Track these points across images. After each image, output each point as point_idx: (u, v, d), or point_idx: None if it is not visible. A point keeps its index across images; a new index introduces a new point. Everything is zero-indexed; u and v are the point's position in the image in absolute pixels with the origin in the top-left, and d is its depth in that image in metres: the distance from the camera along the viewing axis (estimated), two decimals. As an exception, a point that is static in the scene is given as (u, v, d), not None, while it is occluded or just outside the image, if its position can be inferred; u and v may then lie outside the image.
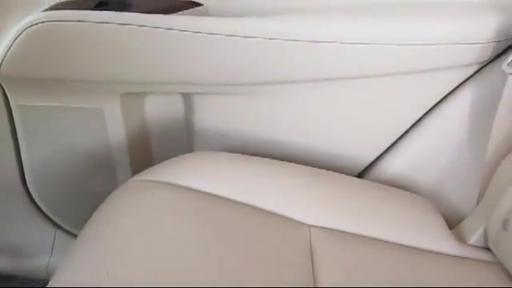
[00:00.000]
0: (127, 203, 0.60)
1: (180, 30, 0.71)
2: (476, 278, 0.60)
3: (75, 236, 0.94)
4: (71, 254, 0.55)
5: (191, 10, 0.74)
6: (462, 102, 0.74)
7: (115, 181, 0.87)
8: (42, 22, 0.69)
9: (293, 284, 0.53)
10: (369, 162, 0.81)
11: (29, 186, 0.90)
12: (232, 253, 0.55)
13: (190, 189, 0.63)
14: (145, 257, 0.52)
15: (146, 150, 0.87)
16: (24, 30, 0.70)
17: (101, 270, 0.49)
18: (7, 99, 0.80)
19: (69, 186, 0.90)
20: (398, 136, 0.79)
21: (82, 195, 0.90)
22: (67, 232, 0.95)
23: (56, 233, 0.95)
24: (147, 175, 0.66)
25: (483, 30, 0.66)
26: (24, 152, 0.86)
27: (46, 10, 0.72)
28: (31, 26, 0.70)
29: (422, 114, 0.76)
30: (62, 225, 0.94)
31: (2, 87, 0.79)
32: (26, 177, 0.89)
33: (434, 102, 0.75)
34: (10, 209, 0.92)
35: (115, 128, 0.82)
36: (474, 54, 0.68)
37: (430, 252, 0.62)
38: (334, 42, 0.68)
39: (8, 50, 0.72)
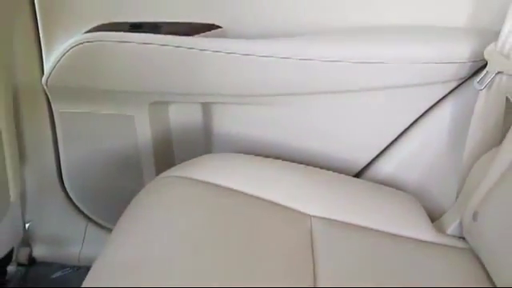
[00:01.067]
0: (159, 194, 0.73)
1: (200, 50, 0.84)
2: (451, 261, 0.71)
3: (105, 228, 1.07)
4: (115, 237, 0.66)
5: (212, 31, 0.86)
6: (443, 114, 0.85)
7: (141, 179, 0.99)
8: (87, 42, 0.82)
9: (294, 264, 0.64)
10: (363, 164, 0.93)
11: (65, 184, 1.03)
12: (245, 239, 0.66)
13: (209, 183, 0.75)
14: (176, 241, 0.63)
15: (169, 152, 0.99)
16: (71, 48, 0.82)
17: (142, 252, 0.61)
18: (50, 106, 0.93)
19: (100, 184, 1.02)
20: (388, 143, 0.90)
21: (111, 192, 1.02)
22: (97, 224, 1.07)
23: (87, 225, 1.07)
24: (174, 172, 0.78)
25: (459, 52, 0.78)
26: (62, 153, 0.99)
27: (88, 32, 0.85)
28: (77, 45, 0.82)
29: (408, 124, 0.88)
30: (93, 218, 1.06)
31: (47, 96, 0.92)
32: (63, 175, 1.02)
33: (419, 113, 0.87)
34: (48, 204, 1.04)
35: (143, 133, 0.95)
36: (452, 72, 0.79)
37: (413, 239, 0.73)
38: (328, 61, 0.80)
39: (56, 65, 0.85)
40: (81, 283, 1.10)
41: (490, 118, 0.73)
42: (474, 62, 0.78)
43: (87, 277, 0.61)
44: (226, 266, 0.60)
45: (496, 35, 0.71)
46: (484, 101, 0.74)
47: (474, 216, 0.70)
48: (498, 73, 0.70)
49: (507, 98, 0.70)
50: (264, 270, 0.62)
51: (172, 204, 0.71)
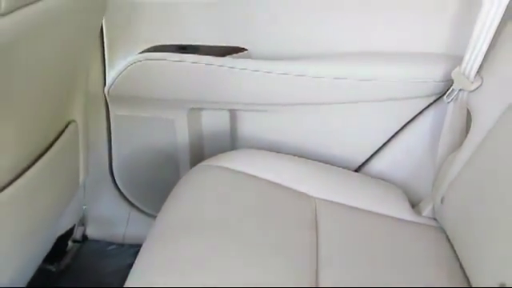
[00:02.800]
0: (198, 179, 0.94)
1: (229, 67, 1.06)
2: (424, 236, 0.91)
3: (144, 213, 1.28)
4: (167, 206, 0.88)
5: (239, 53, 1.09)
6: (424, 122, 1.07)
7: (177, 172, 1.20)
8: (143, 60, 1.05)
9: (302, 234, 0.84)
10: (360, 162, 1.14)
11: (114, 175, 1.25)
12: (264, 213, 0.87)
13: (236, 171, 0.96)
14: (215, 211, 0.84)
15: (201, 149, 1.21)
16: (130, 65, 1.05)
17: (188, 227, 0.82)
18: (108, 110, 1.16)
19: (143, 176, 1.24)
20: (379, 146, 1.11)
21: (151, 182, 1.24)
22: (139, 210, 1.28)
23: (131, 210, 1.28)
24: (207, 163, 1.00)
25: (434, 73, 0.99)
26: (114, 149, 1.21)
27: (143, 52, 1.08)
28: (135, 62, 1.05)
29: (395, 130, 1.09)
30: (136, 204, 1.28)
31: (106, 102, 1.15)
32: (113, 168, 1.24)
33: (404, 122, 1.08)
34: (99, 192, 1.26)
35: (181, 133, 1.17)
36: (429, 89, 1.01)
37: (396, 218, 0.94)
38: (325, 77, 1.02)
39: (117, 77, 1.08)
40: (125, 258, 1.32)
41: (455, 125, 0.94)
42: (445, 81, 0.99)
43: (148, 236, 0.82)
44: (248, 233, 0.81)
45: (461, 60, 0.92)
46: (451, 112, 0.95)
47: (442, 200, 0.91)
48: (461, 90, 0.91)
49: (468, 110, 0.91)
50: (278, 236, 0.83)
51: (208, 185, 0.92)
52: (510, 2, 0.84)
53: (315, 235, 0.84)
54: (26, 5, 0.58)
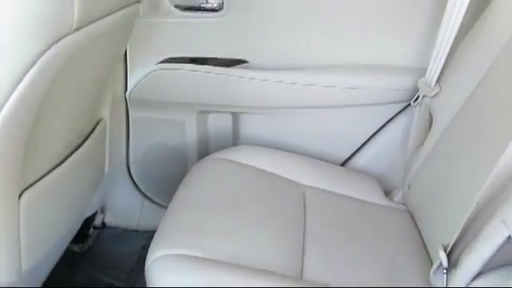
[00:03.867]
0: (206, 168, 1.12)
1: (232, 76, 1.25)
2: (394, 217, 1.10)
3: (155, 203, 1.46)
4: (181, 191, 1.06)
5: (241, 65, 1.28)
6: (398, 124, 1.26)
7: (186, 166, 1.38)
8: (160, 70, 1.24)
9: (292, 214, 1.02)
10: (344, 158, 1.33)
11: (130, 169, 1.43)
12: (262, 197, 1.05)
13: (238, 162, 1.14)
14: (222, 196, 1.03)
15: (206, 147, 1.39)
16: (149, 73, 1.25)
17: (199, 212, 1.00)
18: (128, 112, 1.34)
19: (155, 170, 1.42)
20: (360, 144, 1.31)
21: (163, 176, 1.42)
22: (151, 200, 1.46)
23: (144, 200, 1.46)
24: (213, 156, 1.18)
25: (405, 82, 1.19)
26: (131, 147, 1.39)
27: (159, 62, 1.27)
28: (153, 71, 1.25)
29: (374, 131, 1.28)
30: (148, 195, 1.46)
31: (126, 105, 1.33)
32: (130, 162, 1.42)
33: (381, 124, 1.27)
34: (116, 184, 1.44)
35: (190, 133, 1.36)
36: (401, 96, 1.20)
37: (371, 203, 1.12)
38: (314, 85, 1.21)
39: (137, 84, 1.26)
40: (139, 242, 1.49)
41: (421, 126, 1.13)
42: (413, 89, 1.18)
43: (167, 213, 0.99)
44: (249, 210, 0.99)
45: (425, 72, 1.11)
46: (417, 114, 1.14)
47: (409, 186, 1.09)
48: (424, 96, 1.11)
49: (430, 113, 1.10)
50: (273, 212, 1.01)
51: (213, 173, 1.11)
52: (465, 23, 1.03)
53: (303, 214, 1.02)
54: (89, 23, 0.76)
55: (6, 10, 0.65)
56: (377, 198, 1.15)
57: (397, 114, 1.26)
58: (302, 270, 0.85)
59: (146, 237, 1.30)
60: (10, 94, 0.70)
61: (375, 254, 0.94)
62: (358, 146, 1.32)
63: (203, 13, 1.26)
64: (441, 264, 0.80)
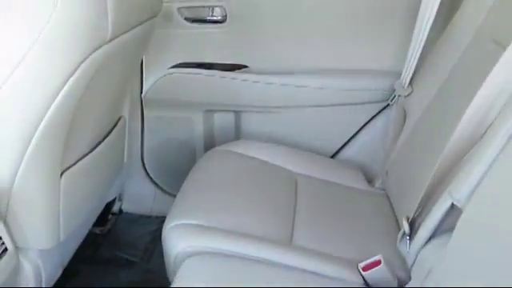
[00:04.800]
0: (212, 158, 1.30)
1: (234, 79, 1.44)
2: (374, 200, 1.27)
3: (167, 192, 1.64)
4: (191, 177, 1.24)
5: (242, 69, 1.47)
6: (380, 120, 1.44)
7: (194, 158, 1.56)
8: (172, 73, 1.43)
9: (285, 194, 1.20)
10: (334, 151, 1.51)
11: (144, 161, 1.61)
12: (260, 183, 1.23)
13: (240, 154, 1.32)
14: (226, 181, 1.21)
15: (212, 142, 1.57)
16: (162, 76, 1.43)
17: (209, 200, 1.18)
18: (143, 111, 1.53)
19: (166, 163, 1.61)
20: (347, 138, 1.48)
21: (173, 168, 1.60)
22: (162, 190, 1.64)
23: (156, 190, 1.64)
24: (218, 148, 1.36)
25: (384, 84, 1.37)
26: (145, 141, 1.58)
27: (171, 67, 1.45)
28: (166, 75, 1.43)
29: (359, 127, 1.46)
30: (160, 185, 1.64)
31: (141, 104, 1.51)
32: (144, 155, 1.60)
33: (366, 120, 1.45)
34: (132, 175, 1.62)
35: (198, 129, 1.54)
36: (381, 96, 1.38)
37: (355, 188, 1.30)
38: (306, 87, 1.40)
39: (151, 86, 1.45)
40: (151, 225, 1.67)
41: (397, 122, 1.31)
42: (391, 90, 1.36)
43: (179, 194, 1.17)
44: (249, 192, 1.16)
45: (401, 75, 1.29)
46: (394, 112, 1.32)
47: (386, 173, 1.27)
48: (399, 96, 1.29)
49: (404, 110, 1.28)
50: (269, 195, 1.18)
51: (219, 162, 1.29)
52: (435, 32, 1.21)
53: (294, 196, 1.20)
54: (119, 35, 0.95)
55: (51, 25, 0.83)
56: (359, 184, 1.32)
57: (378, 113, 1.44)
58: (291, 238, 1.03)
59: (158, 221, 1.48)
60: (55, 98, 0.88)
61: (354, 228, 1.12)
62: (345, 140, 1.50)
63: (209, 24, 1.45)
64: (404, 232, 0.98)
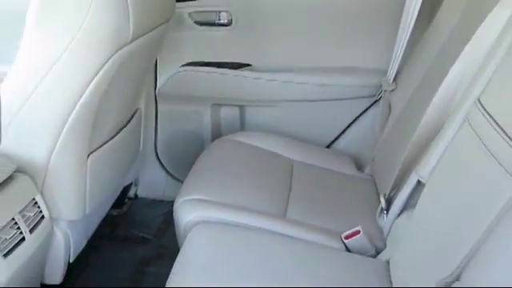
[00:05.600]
0: (219, 147, 1.47)
1: (239, 76, 1.60)
2: (361, 184, 1.42)
3: (175, 178, 1.80)
4: (199, 162, 1.40)
5: (247, 67, 1.63)
6: (370, 114, 1.59)
7: (202, 148, 1.72)
8: (183, 71, 1.59)
9: (283, 177, 1.36)
10: (329, 141, 1.66)
11: (158, 151, 1.78)
12: (261, 168, 1.39)
13: (244, 143, 1.48)
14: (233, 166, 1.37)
15: (218, 133, 1.73)
16: (174, 74, 1.60)
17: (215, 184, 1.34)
18: (156, 105, 1.70)
19: (177, 152, 1.77)
20: (342, 130, 1.64)
21: (182, 157, 1.76)
22: (173, 176, 1.80)
23: (167, 176, 1.81)
24: (224, 138, 1.52)
25: (372, 81, 1.52)
26: (158, 132, 1.74)
27: (182, 66, 1.62)
28: (177, 72, 1.60)
29: (351, 120, 1.61)
30: (171, 172, 1.81)
31: (155, 99, 1.68)
32: (157, 145, 1.77)
33: (357, 114, 1.60)
34: (146, 163, 1.79)
35: (205, 121, 1.71)
36: (370, 91, 1.54)
37: (345, 174, 1.45)
38: (306, 84, 1.56)
39: (164, 83, 1.62)
40: (163, 208, 1.83)
41: (383, 114, 1.46)
42: (379, 86, 1.51)
43: (188, 176, 1.33)
44: (250, 174, 1.32)
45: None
46: (381, 105, 1.47)
47: (373, 159, 1.42)
48: (385, 91, 1.44)
49: (389, 103, 1.43)
50: (269, 177, 1.34)
51: (223, 150, 1.45)
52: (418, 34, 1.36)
53: (290, 178, 1.36)
54: (139, 37, 1.11)
55: (84, 28, 1.00)
56: (350, 170, 1.48)
57: (369, 107, 1.60)
58: (285, 212, 1.19)
59: (169, 205, 1.62)
60: (84, 91, 1.05)
61: (341, 206, 1.27)
62: (339, 132, 1.65)
63: (216, 27, 1.62)
64: (382, 208, 1.13)
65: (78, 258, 1.30)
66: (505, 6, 0.97)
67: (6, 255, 0.94)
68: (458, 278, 0.73)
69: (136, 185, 1.80)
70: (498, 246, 0.66)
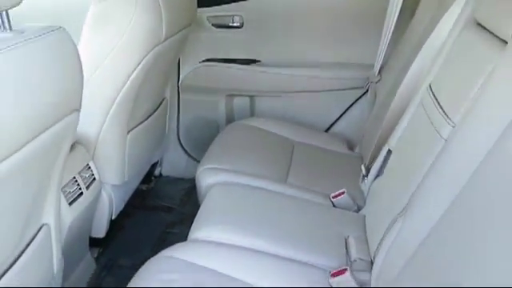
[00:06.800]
0: (232, 130, 1.75)
1: (250, 71, 1.89)
2: (352, 160, 1.69)
3: (195, 159, 2.09)
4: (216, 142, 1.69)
5: (256, 63, 1.91)
6: (360, 102, 1.86)
7: (218, 131, 2.01)
8: (203, 66, 1.89)
9: (284, 154, 1.63)
10: (327, 125, 1.94)
11: (179, 136, 2.07)
12: (265, 147, 1.67)
13: (254, 126, 1.76)
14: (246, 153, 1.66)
15: (231, 119, 2.02)
16: (195, 68, 1.90)
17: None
18: (179, 95, 1.99)
19: (196, 136, 2.06)
20: (338, 116, 1.92)
21: (201, 140, 2.05)
22: (192, 157, 2.09)
23: (187, 158, 2.10)
24: (238, 122, 1.81)
25: (362, 74, 1.79)
26: (180, 119, 2.04)
27: (201, 62, 1.91)
28: (197, 68, 1.89)
29: (346, 107, 1.89)
30: (191, 154, 2.10)
31: (178, 90, 1.97)
32: (179, 131, 2.06)
33: (351, 102, 1.88)
34: (169, 146, 2.08)
35: (220, 109, 2.00)
36: (361, 82, 1.81)
37: (338, 152, 1.72)
38: (305, 76, 1.84)
39: (186, 76, 1.91)
40: (184, 184, 2.15)
41: (371, 102, 1.73)
42: (367, 78, 1.78)
43: (207, 152, 1.62)
44: (257, 152, 1.60)
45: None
46: (369, 94, 1.74)
47: (362, 137, 1.69)
48: (372, 82, 1.71)
49: (375, 92, 1.70)
50: (270, 154, 1.61)
51: (236, 131, 1.73)
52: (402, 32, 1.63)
53: (291, 155, 1.63)
54: (169, 37, 1.40)
55: (130, 28, 1.29)
56: (342, 150, 1.75)
57: (359, 97, 1.88)
58: (286, 179, 1.47)
59: (189, 181, 1.93)
60: (126, 82, 1.34)
61: (332, 174, 1.54)
62: (335, 118, 1.93)
63: (230, 29, 1.91)
64: (363, 174, 1.41)
65: (116, 221, 1.59)
66: (459, 5, 1.22)
67: (70, 204, 1.23)
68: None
69: (160, 165, 2.09)
70: (432, 182, 0.92)
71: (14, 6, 0.75)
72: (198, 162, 2.05)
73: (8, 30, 0.79)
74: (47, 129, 0.87)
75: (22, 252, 0.97)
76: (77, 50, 0.92)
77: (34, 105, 0.81)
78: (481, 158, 0.75)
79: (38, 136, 0.84)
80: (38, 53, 0.78)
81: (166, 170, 2.11)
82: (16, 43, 0.74)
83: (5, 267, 0.90)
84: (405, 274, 0.89)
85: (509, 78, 0.78)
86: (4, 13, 0.77)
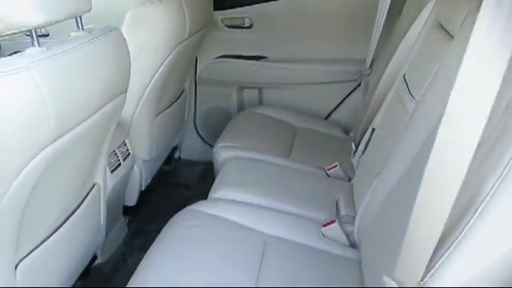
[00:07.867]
0: (243, 116, 2.03)
1: (257, 65, 2.16)
2: (345, 143, 1.96)
3: (209, 144, 2.37)
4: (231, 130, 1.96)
5: (264, 59, 2.19)
6: (356, 93, 2.12)
7: (230, 119, 2.27)
8: (216, 62, 2.17)
9: (287, 137, 1.90)
10: (327, 114, 2.21)
11: (196, 123, 2.35)
12: (267, 130, 1.94)
13: (262, 114, 2.04)
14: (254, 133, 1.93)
15: (242, 108, 2.29)
16: (210, 64, 2.18)
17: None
18: (196, 88, 2.27)
19: (211, 123, 2.34)
20: (336, 105, 2.18)
21: (215, 127, 2.32)
22: (207, 143, 2.37)
23: (203, 143, 2.38)
24: (248, 110, 2.08)
25: (356, 68, 2.05)
26: (197, 108, 2.32)
27: (215, 58, 2.19)
28: (212, 63, 2.17)
29: (343, 97, 2.15)
30: (206, 140, 2.37)
31: (195, 83, 2.25)
32: (196, 119, 2.34)
33: (347, 93, 2.14)
34: (187, 132, 2.36)
35: (232, 100, 2.28)
36: (356, 75, 2.07)
37: (335, 136, 1.99)
38: (308, 70, 2.11)
39: (202, 70, 2.20)
40: (200, 166, 2.43)
41: (363, 92, 2.00)
42: (360, 71, 2.05)
43: (221, 134, 1.89)
44: (264, 134, 1.88)
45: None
46: (362, 86, 2.01)
47: (356, 123, 1.96)
48: (364, 75, 1.97)
49: (367, 84, 1.96)
50: (277, 137, 1.89)
51: (247, 118, 2.01)
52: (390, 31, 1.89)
53: (293, 137, 1.91)
54: (191, 36, 1.68)
55: (156, 28, 1.57)
56: (338, 134, 2.02)
57: (354, 89, 2.14)
58: (289, 155, 1.74)
59: (205, 164, 2.21)
60: (155, 73, 1.63)
61: (328, 153, 1.81)
62: (333, 107, 2.20)
63: (241, 29, 2.18)
64: (353, 150, 1.67)
65: (143, 195, 1.87)
66: (428, 8, 1.48)
67: (112, 171, 1.52)
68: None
69: (180, 149, 2.37)
70: (399, 147, 1.18)
71: (87, 12, 1.02)
72: (212, 146, 2.37)
73: (81, 30, 1.06)
74: (103, 106, 1.15)
75: (80, 205, 1.25)
76: (127, 45, 1.20)
77: (97, 86, 1.09)
78: (433, 125, 1.02)
79: (98, 111, 1.12)
80: (103, 46, 1.06)
81: (184, 153, 2.39)
82: (89, 40, 1.01)
83: (67, 214, 1.18)
84: (375, 223, 1.15)
85: (452, 67, 1.04)
86: (78, 17, 1.05)
